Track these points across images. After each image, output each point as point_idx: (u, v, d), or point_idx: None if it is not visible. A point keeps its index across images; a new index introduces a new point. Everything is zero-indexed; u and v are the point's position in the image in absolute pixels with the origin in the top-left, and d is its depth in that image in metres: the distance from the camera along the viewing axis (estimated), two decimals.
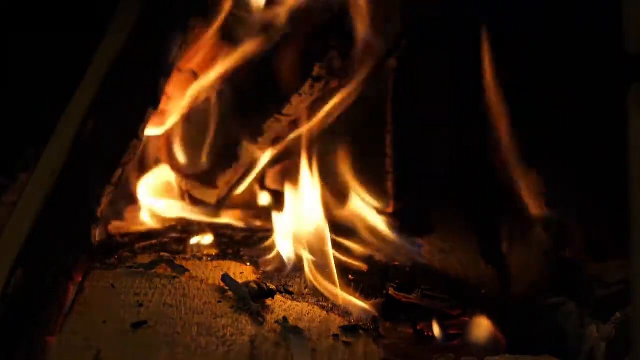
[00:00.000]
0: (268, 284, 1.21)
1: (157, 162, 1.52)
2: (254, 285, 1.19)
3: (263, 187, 1.55)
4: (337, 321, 1.16)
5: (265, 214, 1.51)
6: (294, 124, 1.47)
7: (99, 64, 1.30)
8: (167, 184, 1.52)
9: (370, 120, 1.48)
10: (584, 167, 1.39)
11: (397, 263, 1.36)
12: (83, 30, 1.38)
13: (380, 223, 1.42)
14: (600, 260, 1.33)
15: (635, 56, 0.88)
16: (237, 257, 1.36)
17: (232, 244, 1.41)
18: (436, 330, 1.17)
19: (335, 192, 1.43)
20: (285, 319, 1.13)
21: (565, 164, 1.39)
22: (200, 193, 1.52)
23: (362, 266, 1.34)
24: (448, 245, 1.45)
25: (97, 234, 1.29)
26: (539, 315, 1.21)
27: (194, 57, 1.44)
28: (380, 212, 1.48)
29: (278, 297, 1.21)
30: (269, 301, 1.19)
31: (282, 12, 1.43)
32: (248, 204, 1.54)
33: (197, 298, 1.19)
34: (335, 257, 1.28)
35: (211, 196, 1.51)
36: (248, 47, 1.46)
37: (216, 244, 1.41)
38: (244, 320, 1.14)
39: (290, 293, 1.23)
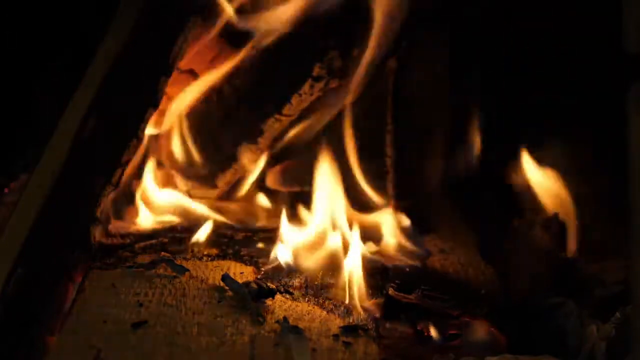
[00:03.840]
0: (268, 284, 1.21)
1: (157, 162, 1.52)
2: (254, 285, 1.19)
3: (263, 187, 1.55)
4: (337, 321, 1.16)
5: (264, 214, 1.51)
6: (294, 124, 1.47)
7: (99, 64, 1.30)
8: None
9: (371, 120, 1.48)
10: (585, 167, 1.40)
11: (397, 263, 1.35)
12: (83, 30, 1.38)
13: (383, 223, 1.42)
14: (600, 260, 1.33)
15: (635, 56, 0.88)
16: (237, 257, 1.36)
17: (232, 244, 1.41)
18: (433, 332, 1.17)
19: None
20: (285, 319, 1.13)
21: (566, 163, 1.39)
22: (201, 193, 1.52)
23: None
24: (448, 245, 1.45)
25: (97, 234, 1.29)
26: (539, 315, 1.21)
27: (194, 57, 1.44)
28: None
29: (278, 297, 1.21)
30: (269, 301, 1.19)
31: (282, 12, 1.43)
32: (248, 204, 1.55)
33: (197, 298, 1.19)
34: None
35: (211, 196, 1.51)
36: (248, 47, 1.46)
37: (216, 244, 1.40)
38: (244, 320, 1.14)
39: (290, 293, 1.23)
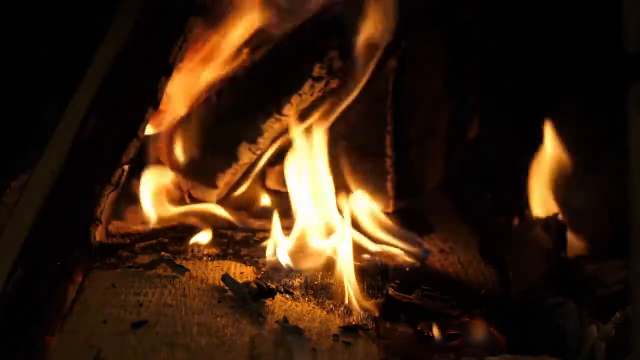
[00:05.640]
0: (268, 284, 1.21)
1: (157, 162, 1.52)
2: (254, 285, 1.19)
3: (263, 187, 1.55)
4: (337, 321, 1.16)
5: (265, 214, 1.51)
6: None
7: (99, 64, 1.30)
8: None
9: (371, 120, 1.48)
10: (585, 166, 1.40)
11: (397, 263, 1.35)
12: (83, 30, 1.38)
13: (385, 222, 1.42)
14: (600, 260, 1.33)
15: (635, 56, 0.88)
16: (237, 257, 1.36)
17: (232, 244, 1.41)
18: (436, 331, 1.17)
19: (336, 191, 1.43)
20: (285, 319, 1.13)
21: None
22: (200, 193, 1.52)
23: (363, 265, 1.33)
24: (448, 245, 1.45)
25: (97, 234, 1.29)
26: (539, 315, 1.21)
27: (194, 57, 1.44)
28: (380, 212, 1.48)
29: (278, 297, 1.21)
30: (269, 301, 1.19)
31: (282, 13, 1.43)
32: (248, 204, 1.55)
33: (197, 298, 1.19)
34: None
35: (211, 196, 1.52)
36: (247, 48, 1.46)
37: (216, 244, 1.41)
38: (244, 320, 1.14)
39: (290, 293, 1.23)
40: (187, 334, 1.09)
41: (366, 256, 1.35)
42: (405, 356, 1.13)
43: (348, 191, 1.45)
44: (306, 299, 1.22)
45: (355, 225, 1.38)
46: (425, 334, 1.18)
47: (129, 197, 1.47)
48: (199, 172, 1.51)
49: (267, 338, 1.09)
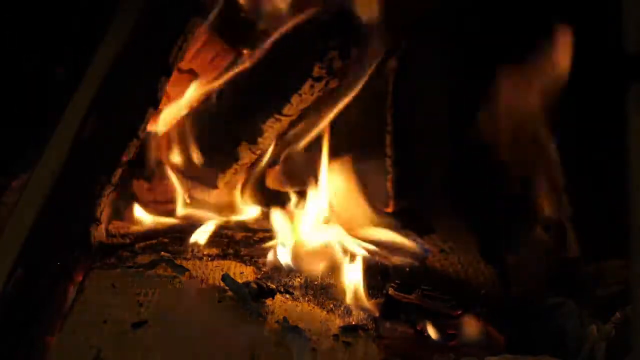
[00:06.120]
0: (268, 284, 1.21)
1: (157, 162, 1.52)
2: (254, 285, 1.19)
3: (263, 187, 1.55)
4: (337, 321, 1.16)
5: (265, 214, 1.51)
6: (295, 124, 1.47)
7: (99, 64, 1.30)
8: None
9: (370, 120, 1.48)
10: (585, 168, 1.40)
11: (397, 263, 1.35)
12: (83, 30, 1.38)
13: (383, 223, 1.42)
14: (600, 260, 1.33)
15: (635, 56, 0.88)
16: (237, 257, 1.36)
17: (232, 244, 1.41)
18: (431, 331, 1.17)
19: (335, 192, 1.43)
20: (285, 319, 1.13)
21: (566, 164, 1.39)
22: (201, 193, 1.52)
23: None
24: (448, 245, 1.45)
25: (97, 234, 1.29)
26: (539, 315, 1.21)
27: (194, 57, 1.44)
28: (380, 212, 1.48)
29: (278, 297, 1.21)
30: (269, 301, 1.19)
31: (282, 12, 1.43)
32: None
33: (197, 298, 1.19)
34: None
35: (211, 196, 1.52)
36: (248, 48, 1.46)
37: (216, 244, 1.41)
38: (244, 320, 1.14)
39: (291, 293, 1.23)
40: (187, 334, 1.09)
41: (366, 256, 1.35)
42: (405, 356, 1.13)
43: (346, 191, 1.45)
44: (306, 299, 1.22)
45: (355, 225, 1.38)
46: (425, 334, 1.18)
47: (129, 197, 1.47)
48: (199, 172, 1.51)
49: (267, 338, 1.09)
